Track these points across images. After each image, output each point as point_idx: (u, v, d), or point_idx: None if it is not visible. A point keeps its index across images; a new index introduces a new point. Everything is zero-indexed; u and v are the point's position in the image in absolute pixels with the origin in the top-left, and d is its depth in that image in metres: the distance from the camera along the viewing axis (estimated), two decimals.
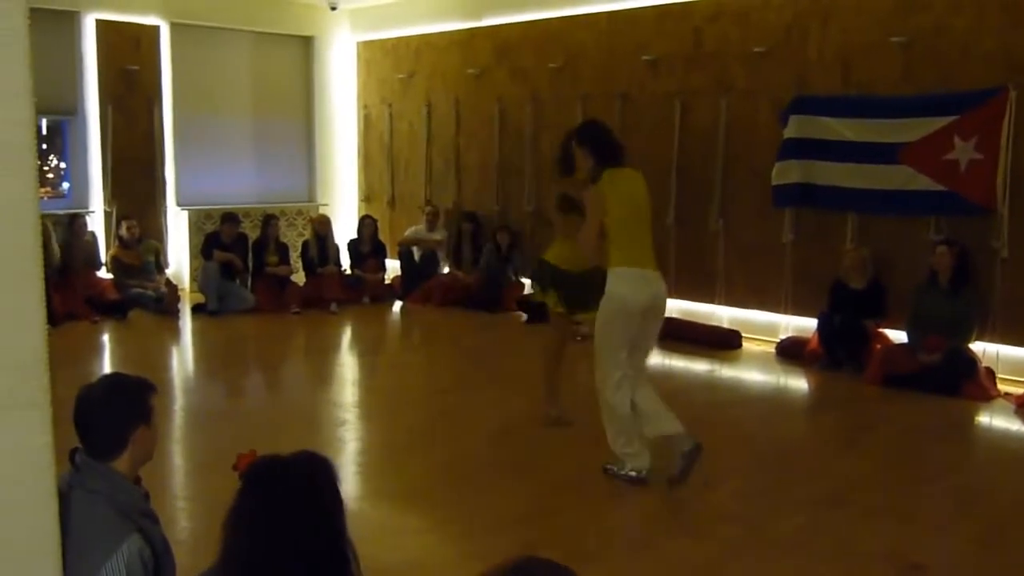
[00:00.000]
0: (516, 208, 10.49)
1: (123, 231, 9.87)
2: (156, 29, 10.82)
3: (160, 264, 10.20)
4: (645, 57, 9.06)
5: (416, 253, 10.82)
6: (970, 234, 7.13)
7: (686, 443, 4.61)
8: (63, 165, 10.53)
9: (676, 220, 8.79)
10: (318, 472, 1.89)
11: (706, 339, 8.35)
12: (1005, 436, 6.16)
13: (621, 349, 4.69)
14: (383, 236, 11.14)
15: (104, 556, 2.19)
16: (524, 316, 9.56)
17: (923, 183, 7.26)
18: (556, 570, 1.38)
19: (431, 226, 10.89)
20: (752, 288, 8.51)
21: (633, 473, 4.75)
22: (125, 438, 2.35)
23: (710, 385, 7.32)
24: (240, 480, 1.92)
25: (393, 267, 11.06)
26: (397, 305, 10.49)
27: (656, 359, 8.17)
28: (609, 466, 4.85)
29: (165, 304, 9.57)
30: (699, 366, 7.76)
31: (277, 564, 1.78)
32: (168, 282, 10.05)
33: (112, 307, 9.28)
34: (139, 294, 9.60)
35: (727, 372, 7.68)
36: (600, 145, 4.84)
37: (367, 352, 8.93)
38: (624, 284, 4.66)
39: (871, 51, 7.63)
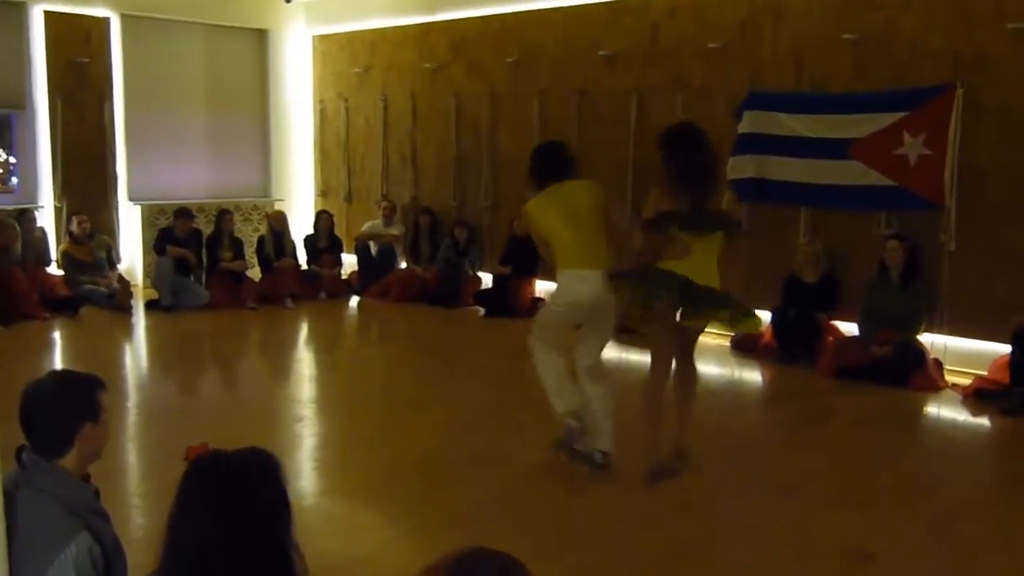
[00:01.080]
0: (473, 203, 10.48)
1: (74, 227, 9.72)
2: (106, 21, 10.65)
3: (112, 260, 10.05)
4: (602, 52, 9.10)
5: (373, 248, 10.77)
6: (919, 228, 7.26)
7: (598, 453, 4.86)
8: (12, 160, 10.33)
9: (632, 215, 8.82)
10: (262, 468, 1.86)
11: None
12: (953, 426, 6.28)
13: (557, 331, 5.01)
14: (340, 231, 11.08)
15: (52, 555, 2.15)
16: (482, 311, 9.56)
17: (873, 178, 7.37)
18: (501, 560, 1.38)
19: (388, 221, 10.84)
20: None
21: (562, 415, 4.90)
22: (72, 435, 2.31)
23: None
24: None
25: (350, 262, 11.01)
26: (354, 300, 10.44)
27: (615, 353, 8.23)
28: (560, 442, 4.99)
29: (117, 300, 9.43)
30: None
31: (216, 558, 1.76)
32: (120, 278, 9.90)
33: (63, 304, 9.13)
34: (91, 290, 9.46)
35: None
36: (536, 170, 5.13)
37: (324, 348, 8.87)
38: (565, 282, 4.93)
39: (823, 48, 7.73)
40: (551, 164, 5.15)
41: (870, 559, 3.97)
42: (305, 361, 8.38)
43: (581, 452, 4.88)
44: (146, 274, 10.64)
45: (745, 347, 7.92)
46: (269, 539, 1.82)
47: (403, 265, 10.74)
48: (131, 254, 10.98)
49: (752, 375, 7.56)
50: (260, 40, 12.21)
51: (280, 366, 7.95)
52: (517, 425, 5.76)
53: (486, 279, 10.09)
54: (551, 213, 4.97)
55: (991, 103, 6.91)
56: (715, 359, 7.90)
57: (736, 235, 5.13)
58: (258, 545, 1.79)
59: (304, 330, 9.33)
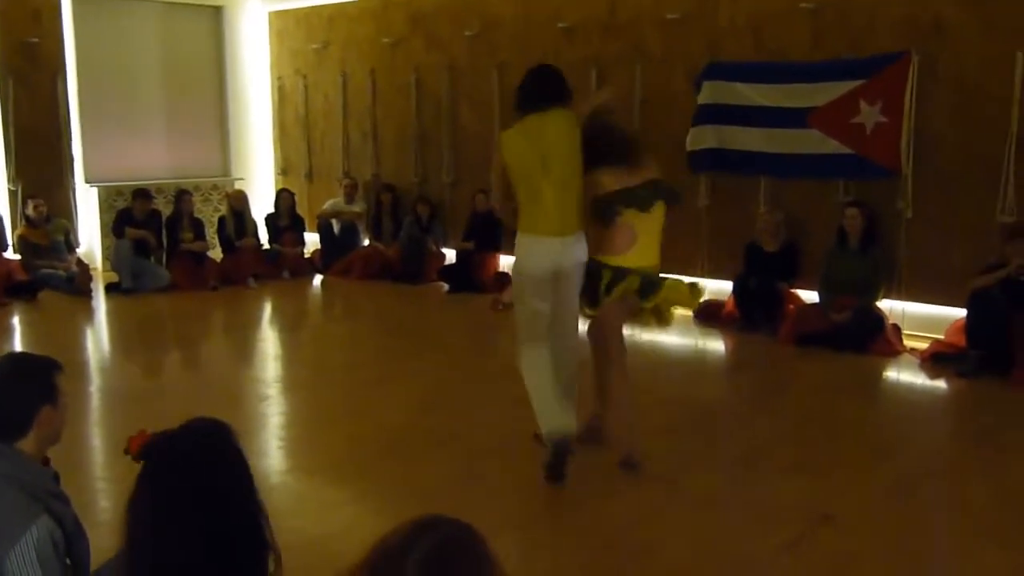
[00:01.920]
0: (435, 179, 10.45)
1: (29, 210, 9.57)
2: (57, 0, 10.43)
3: (70, 243, 9.91)
4: (561, 24, 9.07)
5: (336, 226, 10.71)
6: (876, 196, 7.35)
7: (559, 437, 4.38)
8: None
9: None
10: (214, 438, 1.85)
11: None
12: (911, 390, 6.40)
13: (533, 321, 4.41)
14: (301, 209, 11.00)
15: (13, 539, 2.14)
16: (446, 286, 9.56)
17: (832, 147, 7.45)
18: (456, 527, 1.40)
19: (350, 198, 10.78)
20: (669, 252, 8.57)
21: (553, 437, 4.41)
22: (29, 419, 2.29)
23: (629, 348, 7.37)
24: (138, 463, 1.87)
25: (312, 241, 10.94)
26: (317, 279, 10.39)
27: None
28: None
29: (77, 284, 9.31)
30: None
31: (182, 538, 1.75)
32: (79, 261, 9.77)
33: (21, 288, 9.00)
34: (49, 274, 9.33)
35: (645, 336, 7.79)
36: (518, 93, 4.48)
37: (288, 327, 8.83)
38: (520, 252, 4.42)
39: (781, 17, 7.76)
40: (534, 86, 4.41)
41: (830, 521, 4.04)
42: (269, 340, 8.34)
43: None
44: (105, 257, 10.51)
45: (708, 316, 7.99)
46: (232, 507, 1.81)
47: (366, 242, 10.69)
48: (89, 237, 10.83)
49: (714, 344, 7.64)
50: (215, 17, 12.02)
51: (244, 346, 7.91)
52: (483, 400, 5.78)
53: (449, 255, 10.08)
54: (518, 151, 4.29)
55: (946, 71, 6.99)
56: (678, 329, 7.94)
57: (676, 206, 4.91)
58: (221, 516, 1.79)
59: (267, 310, 9.28)
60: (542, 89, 4.39)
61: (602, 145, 4.47)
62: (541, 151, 4.27)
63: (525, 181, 4.31)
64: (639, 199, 4.49)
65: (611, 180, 4.46)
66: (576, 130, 4.34)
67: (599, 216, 4.43)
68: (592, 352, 4.82)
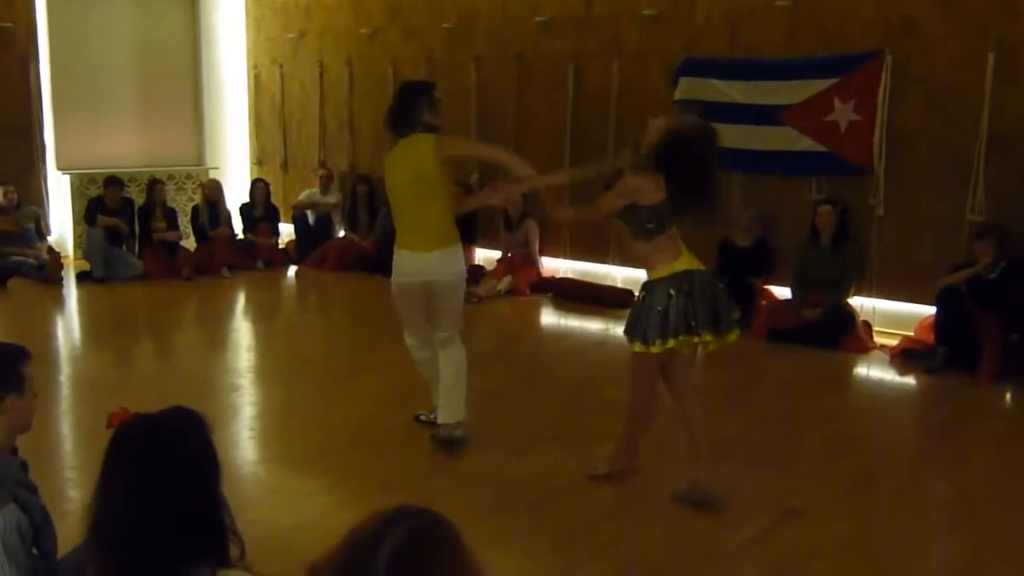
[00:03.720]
0: None
1: None
2: None
3: (41, 231, 9.81)
4: (538, 18, 9.07)
5: (311, 217, 10.66)
6: (848, 193, 7.42)
7: (445, 430, 4.77)
8: None
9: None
10: (188, 427, 1.87)
11: (600, 299, 8.49)
12: (880, 385, 6.47)
13: (409, 323, 4.89)
14: (276, 200, 10.93)
15: None
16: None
17: (805, 144, 7.50)
18: (426, 516, 1.41)
19: (325, 189, 10.74)
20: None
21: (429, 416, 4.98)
22: None
23: (604, 343, 7.46)
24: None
25: (287, 231, 10.89)
26: (292, 269, 10.35)
27: (552, 318, 8.31)
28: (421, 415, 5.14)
29: (47, 272, 9.21)
30: (593, 325, 7.90)
31: (146, 519, 1.76)
32: (50, 249, 9.67)
33: None
34: (19, 262, 9.23)
35: (620, 330, 7.82)
36: (390, 111, 4.72)
37: (261, 317, 8.79)
38: (395, 266, 4.74)
39: (757, 14, 7.80)
40: (397, 111, 4.64)
41: (797, 515, 4.09)
42: (242, 331, 8.30)
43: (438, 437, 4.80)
44: (77, 245, 10.41)
45: None
46: (199, 496, 1.83)
47: (341, 233, 10.66)
48: (61, 225, 10.72)
49: None
50: (191, 4, 11.92)
51: (216, 336, 7.87)
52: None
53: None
54: (390, 176, 4.68)
55: (918, 70, 7.06)
56: None
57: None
58: (189, 502, 1.80)
59: (241, 300, 9.23)
60: (403, 113, 4.61)
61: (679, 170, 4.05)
62: (398, 177, 4.63)
63: (395, 202, 4.75)
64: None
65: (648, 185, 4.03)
66: (429, 154, 4.50)
67: (652, 228, 4.04)
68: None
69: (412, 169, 4.53)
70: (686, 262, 4.09)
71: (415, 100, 4.59)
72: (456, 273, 4.71)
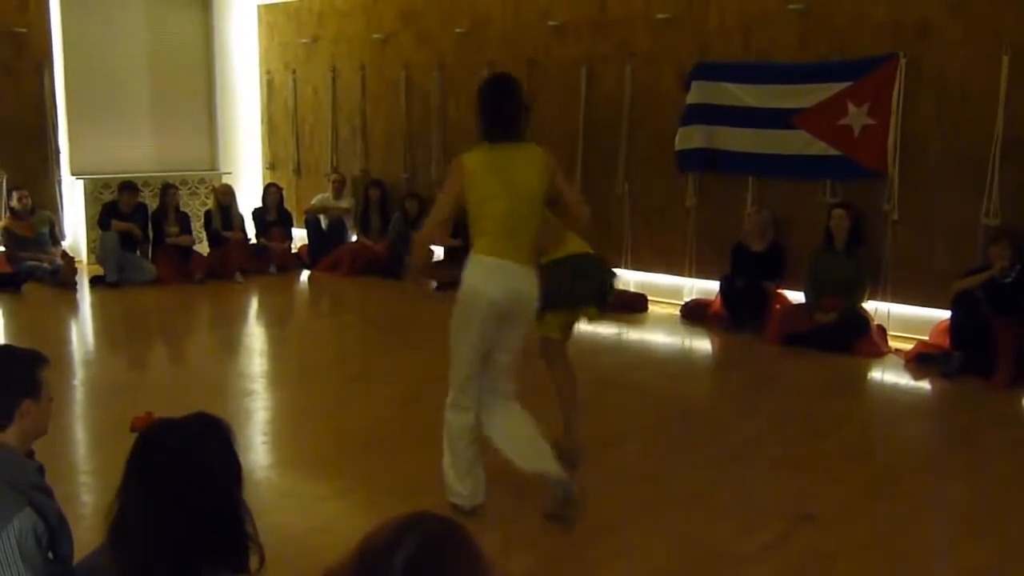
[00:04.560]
0: (424, 175, 10.43)
1: (14, 202, 9.51)
2: None
3: (55, 235, 9.86)
4: (551, 23, 9.07)
5: (323, 221, 10.69)
6: (862, 197, 7.39)
7: (558, 489, 3.92)
8: None
9: (582, 186, 8.86)
10: (210, 433, 1.86)
11: (613, 302, 8.45)
12: (895, 390, 6.43)
13: (471, 356, 3.97)
14: (289, 204, 10.96)
15: None
16: (433, 283, 9.55)
17: (819, 148, 7.48)
18: (443, 524, 1.40)
19: (338, 194, 10.76)
20: (657, 252, 8.67)
21: (456, 502, 4.02)
22: (10, 411, 2.29)
23: (617, 348, 7.45)
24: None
25: (300, 236, 10.91)
26: (305, 274, 10.37)
27: None
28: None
29: (61, 276, 9.26)
30: (606, 329, 7.88)
31: (169, 525, 1.76)
32: (64, 254, 9.73)
33: (5, 280, 8.94)
34: (34, 267, 9.28)
35: (633, 335, 7.83)
36: (484, 116, 4.07)
37: (274, 322, 8.81)
38: (478, 271, 3.94)
39: (770, 18, 7.78)
40: (502, 115, 4.01)
41: (812, 520, 4.06)
42: (255, 335, 8.32)
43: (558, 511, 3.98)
44: (91, 250, 10.46)
45: (695, 316, 8.03)
46: (221, 503, 1.82)
47: (354, 238, 10.67)
48: (75, 229, 10.78)
49: (701, 343, 7.66)
50: (204, 9, 11.98)
51: (229, 341, 7.89)
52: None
53: (437, 251, 10.06)
54: (489, 180, 3.91)
55: (932, 73, 7.03)
56: (665, 328, 7.99)
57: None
58: (210, 509, 1.80)
59: (254, 304, 9.26)
60: (512, 118, 4.03)
61: None
62: (516, 183, 3.95)
63: (492, 204, 3.93)
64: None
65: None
66: (551, 168, 4.03)
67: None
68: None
69: (526, 179, 3.95)
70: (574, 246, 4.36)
71: (523, 104, 4.12)
72: (535, 298, 4.05)
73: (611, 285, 4.66)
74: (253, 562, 1.88)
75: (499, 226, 3.91)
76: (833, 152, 7.43)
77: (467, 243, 4.16)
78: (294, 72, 11.59)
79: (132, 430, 1.95)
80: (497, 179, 3.92)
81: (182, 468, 1.79)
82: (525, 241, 3.96)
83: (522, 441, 4.04)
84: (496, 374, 4.04)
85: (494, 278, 3.89)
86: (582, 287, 4.44)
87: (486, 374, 4.03)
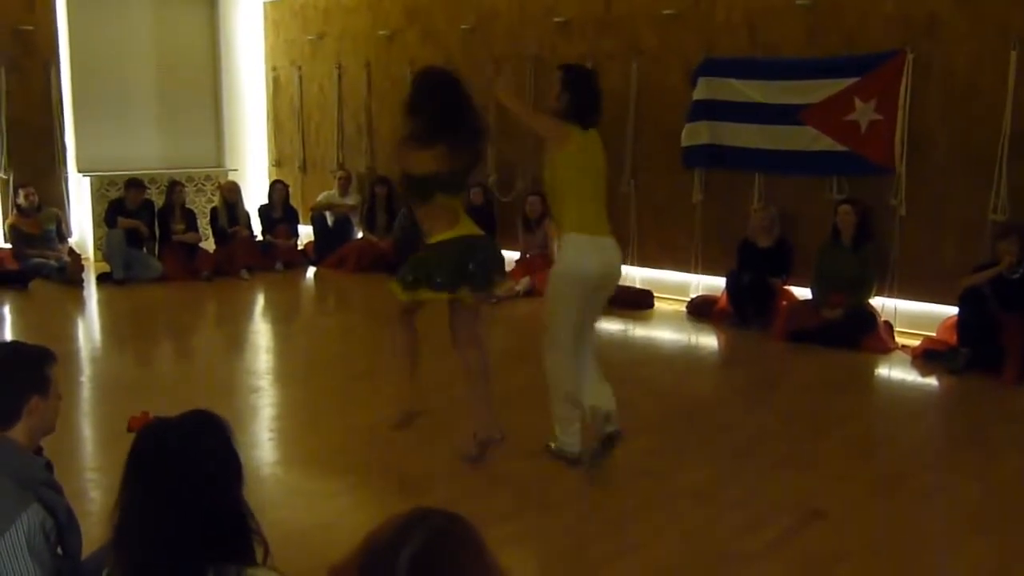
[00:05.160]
0: None
1: (21, 199, 9.53)
2: None
3: (62, 232, 9.88)
4: (557, 19, 9.06)
5: (329, 218, 10.70)
6: (869, 193, 7.36)
7: (609, 426, 4.40)
8: None
9: None
10: (208, 430, 1.86)
11: (619, 299, 8.42)
12: (902, 386, 6.42)
13: (573, 323, 4.47)
14: (295, 201, 10.98)
15: (2, 527, 2.14)
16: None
17: (826, 144, 7.46)
18: (447, 518, 1.40)
19: (344, 191, 10.77)
20: (663, 248, 8.66)
21: (570, 452, 4.54)
22: (18, 408, 2.29)
23: (624, 344, 7.44)
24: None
25: (306, 233, 10.92)
26: (311, 271, 10.38)
27: None
28: (550, 444, 4.66)
29: (68, 273, 9.28)
30: (613, 326, 7.87)
31: (170, 522, 1.76)
32: (71, 251, 9.75)
33: (12, 277, 8.97)
34: (40, 264, 9.30)
35: (640, 331, 7.82)
36: (580, 102, 4.49)
37: (280, 319, 8.82)
38: (579, 248, 4.42)
39: (776, 14, 7.76)
40: (595, 106, 4.57)
41: (820, 517, 4.05)
42: (261, 332, 8.33)
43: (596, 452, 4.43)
44: (97, 247, 10.48)
45: (701, 312, 8.02)
46: (221, 500, 1.82)
47: (359, 235, 10.68)
48: (81, 226, 10.80)
49: (707, 339, 7.65)
50: (210, 7, 11.99)
51: (235, 338, 7.90)
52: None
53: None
54: (584, 158, 4.46)
55: (940, 69, 7.00)
56: (671, 324, 7.98)
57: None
58: (210, 506, 1.79)
59: (260, 301, 9.27)
60: (599, 108, 4.59)
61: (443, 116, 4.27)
62: (597, 164, 4.56)
63: (584, 184, 4.46)
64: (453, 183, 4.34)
65: (425, 159, 4.24)
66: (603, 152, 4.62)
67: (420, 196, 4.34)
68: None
69: (600, 161, 4.57)
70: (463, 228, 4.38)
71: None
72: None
73: (491, 270, 4.52)
74: (258, 556, 1.88)
75: (589, 203, 4.46)
76: (840, 148, 7.41)
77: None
78: (300, 69, 11.60)
79: (129, 430, 1.95)
80: (589, 159, 4.48)
81: (180, 467, 1.79)
82: (605, 216, 4.53)
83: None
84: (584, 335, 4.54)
85: (593, 254, 4.40)
86: (463, 268, 4.36)
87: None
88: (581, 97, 4.48)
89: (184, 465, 1.79)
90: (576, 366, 4.53)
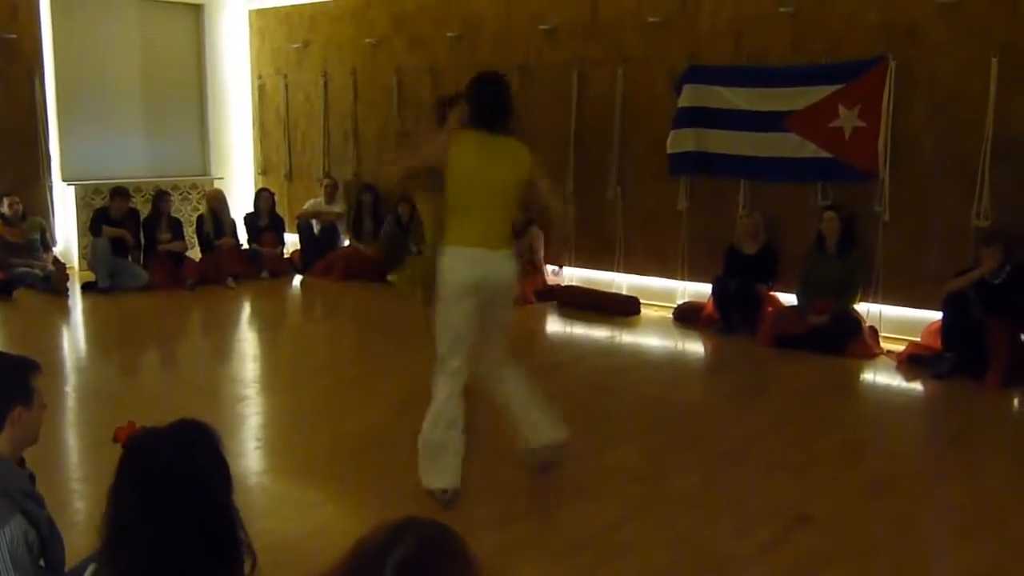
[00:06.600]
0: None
1: (4, 208, 9.47)
2: None
3: (47, 241, 9.82)
4: (542, 27, 9.09)
5: (316, 226, 10.68)
6: (854, 199, 7.40)
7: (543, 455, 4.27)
8: None
9: (575, 189, 8.87)
10: (197, 439, 1.85)
11: (606, 306, 8.49)
12: (888, 391, 6.45)
13: (454, 343, 4.16)
14: (281, 209, 10.96)
15: None
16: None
17: (810, 150, 7.50)
18: (434, 527, 1.40)
19: (330, 198, 10.75)
20: (650, 255, 8.68)
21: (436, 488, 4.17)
22: (2, 418, 2.27)
23: (610, 351, 7.45)
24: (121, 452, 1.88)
25: (292, 241, 10.89)
26: (297, 279, 10.35)
27: (557, 326, 8.30)
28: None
29: (53, 283, 9.22)
30: (599, 332, 7.89)
31: (159, 534, 1.75)
32: (56, 260, 9.69)
33: None
34: (25, 273, 9.24)
35: (626, 338, 7.83)
36: (475, 107, 4.23)
37: (267, 327, 8.79)
38: (453, 261, 4.13)
39: (761, 21, 7.80)
40: (494, 107, 4.20)
41: (808, 522, 4.07)
42: (247, 341, 8.29)
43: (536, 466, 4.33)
44: (82, 256, 10.42)
45: (687, 318, 8.04)
46: (216, 509, 1.81)
47: (346, 243, 10.66)
48: (66, 235, 10.74)
49: (694, 346, 7.67)
50: (195, 15, 11.96)
51: (222, 346, 7.87)
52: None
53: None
54: (474, 164, 4.09)
55: (923, 75, 7.06)
56: (658, 331, 8.00)
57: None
58: (206, 516, 1.78)
59: (246, 309, 9.23)
60: (503, 111, 4.24)
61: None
62: (495, 174, 4.15)
63: (469, 194, 4.12)
64: None
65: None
66: (529, 166, 4.24)
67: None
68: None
69: (508, 171, 4.16)
70: None
71: (512, 101, 4.31)
72: (514, 277, 4.29)
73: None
74: (246, 566, 1.87)
75: (476, 214, 4.12)
76: (824, 154, 7.45)
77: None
78: (286, 77, 11.58)
79: (115, 440, 1.93)
80: (480, 167, 4.10)
81: (177, 478, 1.78)
82: (498, 229, 4.17)
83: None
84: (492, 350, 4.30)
85: (465, 267, 4.10)
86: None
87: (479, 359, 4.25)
88: (477, 99, 4.22)
89: (178, 475, 1.78)
90: (496, 392, 4.32)
